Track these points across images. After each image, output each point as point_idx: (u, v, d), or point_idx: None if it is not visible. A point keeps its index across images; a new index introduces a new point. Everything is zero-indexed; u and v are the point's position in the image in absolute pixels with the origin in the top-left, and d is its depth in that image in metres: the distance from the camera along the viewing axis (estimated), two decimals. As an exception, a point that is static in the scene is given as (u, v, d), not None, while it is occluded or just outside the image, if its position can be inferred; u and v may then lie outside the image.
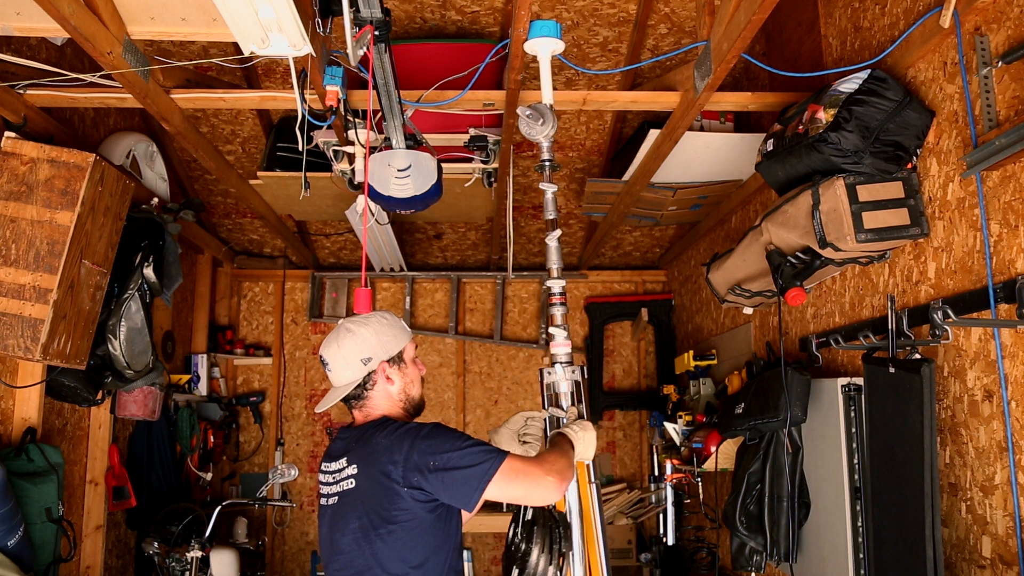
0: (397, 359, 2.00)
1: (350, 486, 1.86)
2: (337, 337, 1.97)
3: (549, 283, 2.24)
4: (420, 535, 1.80)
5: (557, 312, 2.21)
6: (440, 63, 3.09)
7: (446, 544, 1.86)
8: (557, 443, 2.01)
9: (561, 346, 2.19)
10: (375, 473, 1.81)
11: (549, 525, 1.88)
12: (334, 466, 1.93)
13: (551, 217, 2.28)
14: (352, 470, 1.87)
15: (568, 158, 4.53)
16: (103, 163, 2.79)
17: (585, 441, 2.03)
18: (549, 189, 2.28)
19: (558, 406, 2.16)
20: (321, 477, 1.98)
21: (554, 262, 2.24)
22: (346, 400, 2.01)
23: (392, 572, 1.80)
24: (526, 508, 1.94)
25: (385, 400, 1.99)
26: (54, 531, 2.90)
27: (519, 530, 1.92)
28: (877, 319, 2.59)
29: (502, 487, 1.77)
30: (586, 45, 3.69)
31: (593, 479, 2.10)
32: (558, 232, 2.25)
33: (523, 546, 1.86)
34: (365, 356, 1.95)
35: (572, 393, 2.17)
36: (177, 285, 3.56)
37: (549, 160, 2.30)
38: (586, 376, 2.24)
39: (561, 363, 2.18)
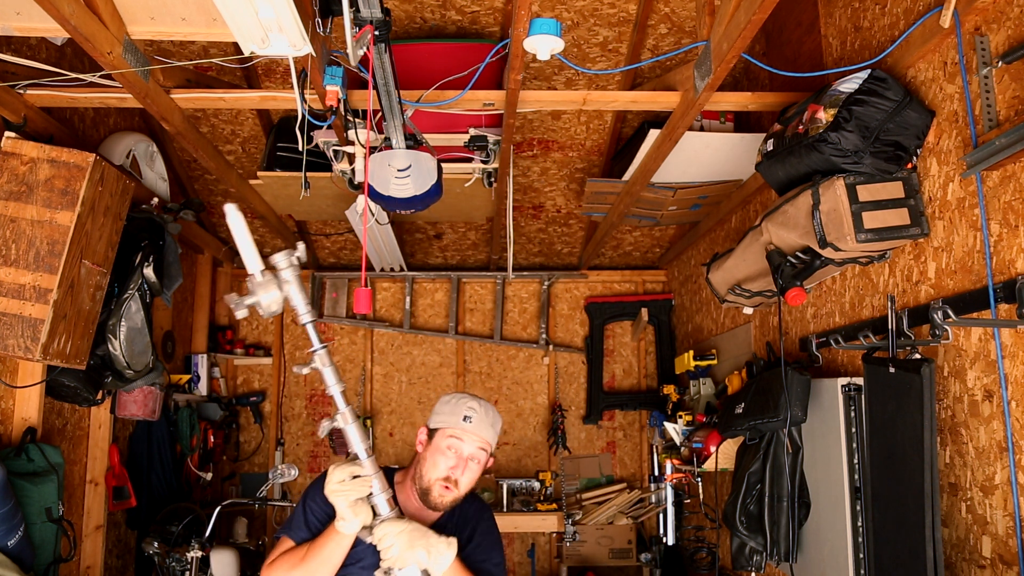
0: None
1: None
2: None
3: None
4: None
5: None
6: (440, 63, 3.09)
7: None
8: (313, 546, 1.86)
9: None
10: None
11: None
12: None
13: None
14: None
15: (568, 158, 4.53)
16: (103, 163, 2.79)
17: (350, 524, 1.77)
18: None
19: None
20: None
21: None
22: None
23: None
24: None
25: None
26: (54, 531, 2.90)
27: None
28: (877, 319, 2.59)
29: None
30: (586, 45, 3.69)
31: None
32: None
33: None
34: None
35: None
36: (177, 285, 3.55)
37: None
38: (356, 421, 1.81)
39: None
